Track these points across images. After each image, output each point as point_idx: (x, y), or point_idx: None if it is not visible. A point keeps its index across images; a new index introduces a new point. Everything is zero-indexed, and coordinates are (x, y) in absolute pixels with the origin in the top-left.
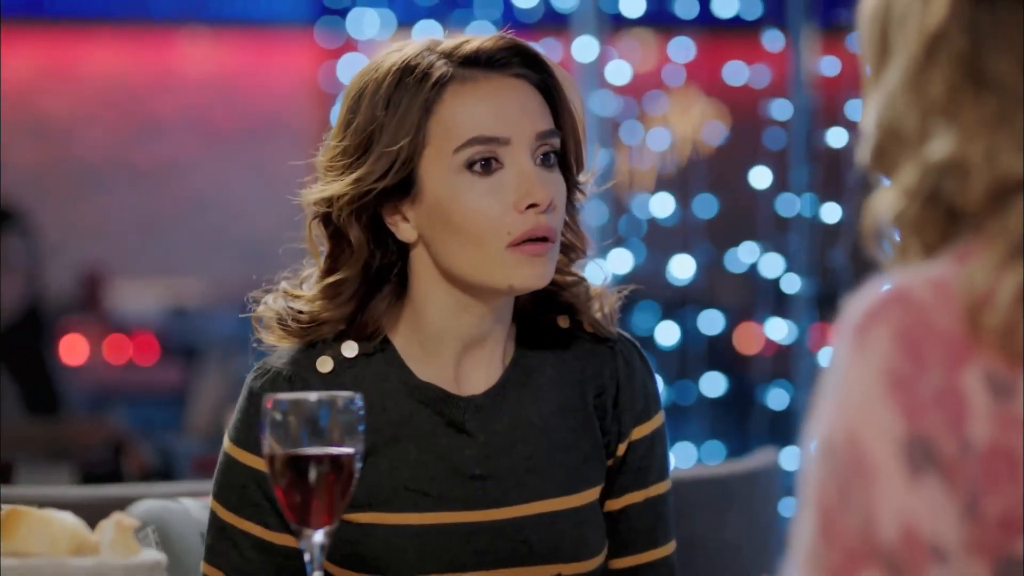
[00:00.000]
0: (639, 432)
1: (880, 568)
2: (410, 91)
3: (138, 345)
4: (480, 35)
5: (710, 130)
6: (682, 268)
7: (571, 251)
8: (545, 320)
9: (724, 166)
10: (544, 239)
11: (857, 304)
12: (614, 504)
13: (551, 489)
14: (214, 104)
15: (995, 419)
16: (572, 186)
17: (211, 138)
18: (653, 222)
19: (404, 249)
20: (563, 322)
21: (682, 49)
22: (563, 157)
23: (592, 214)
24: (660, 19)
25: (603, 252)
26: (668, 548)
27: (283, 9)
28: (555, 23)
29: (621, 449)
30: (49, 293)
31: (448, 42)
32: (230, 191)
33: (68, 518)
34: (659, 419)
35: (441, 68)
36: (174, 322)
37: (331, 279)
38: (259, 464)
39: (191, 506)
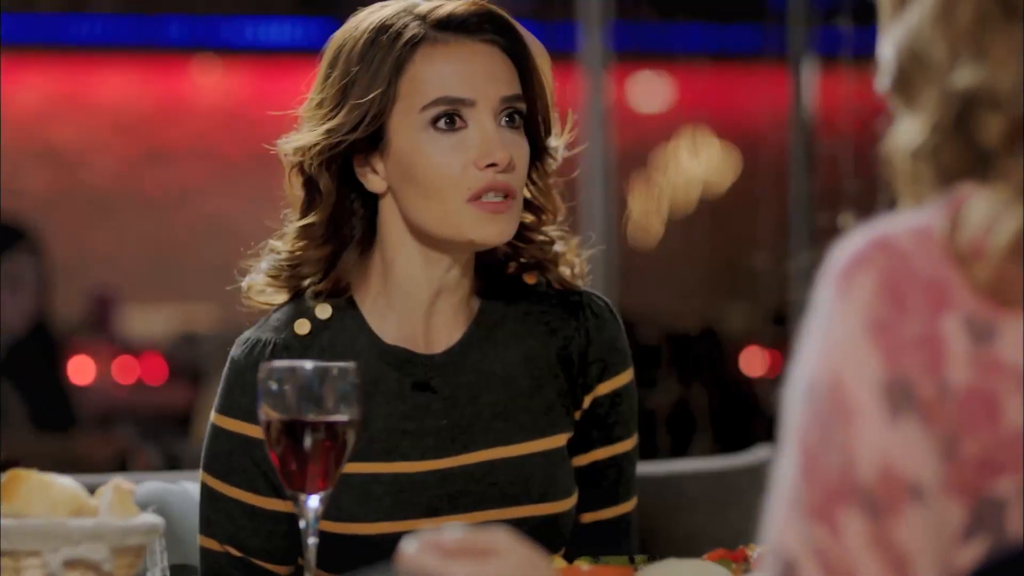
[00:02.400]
0: (605, 387)
1: (858, 506)
2: (383, 49)
3: (146, 366)
4: (456, 0)
5: (713, 160)
6: (683, 279)
7: (543, 213)
8: (512, 276)
9: (726, 199)
10: (505, 196)
11: (841, 251)
12: (581, 460)
13: (517, 434)
14: (224, 131)
15: (974, 363)
16: (543, 150)
17: (221, 165)
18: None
19: (373, 200)
20: (530, 278)
21: (685, 79)
22: (530, 121)
23: (596, 229)
24: (663, 36)
25: (606, 268)
26: (628, 506)
27: (293, 37)
28: (560, 55)
29: (587, 402)
30: (59, 316)
31: (424, 5)
32: (240, 218)
33: (68, 482)
34: (627, 376)
35: (414, 29)
36: (183, 345)
37: (303, 221)
38: (244, 429)
39: (191, 488)
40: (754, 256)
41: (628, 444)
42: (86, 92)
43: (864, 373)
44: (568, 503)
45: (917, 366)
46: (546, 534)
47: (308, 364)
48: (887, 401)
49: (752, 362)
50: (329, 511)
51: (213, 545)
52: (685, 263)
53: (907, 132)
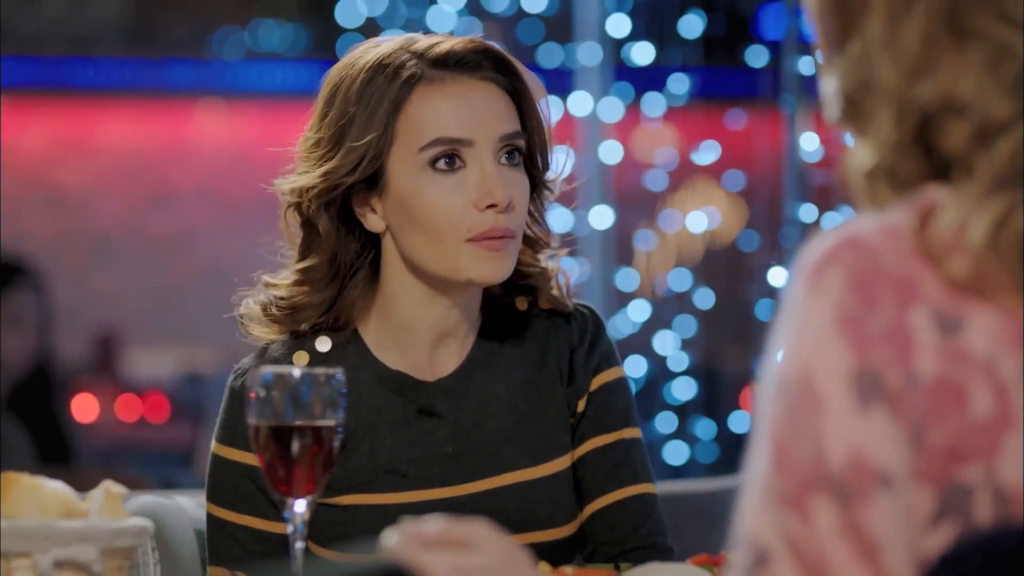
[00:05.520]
0: (595, 383)
1: (829, 494)
2: (381, 88)
3: (149, 404)
4: (454, 37)
5: (720, 209)
6: (681, 315)
7: (536, 244)
8: (505, 303)
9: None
10: (503, 236)
11: (811, 250)
12: (578, 452)
13: (523, 459)
14: (228, 175)
15: (942, 354)
16: (539, 184)
17: (225, 209)
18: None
19: (375, 238)
20: (521, 304)
21: (682, 103)
22: (529, 157)
23: (594, 264)
24: (659, 75)
25: (605, 302)
26: (637, 488)
27: (297, 80)
28: (560, 82)
29: (581, 405)
30: (64, 356)
31: (422, 42)
32: (244, 261)
33: (59, 485)
34: (615, 373)
35: (412, 68)
36: (186, 385)
37: (302, 265)
38: (247, 459)
39: (185, 503)
40: (751, 296)
41: (625, 433)
42: (91, 136)
43: (833, 365)
44: (573, 527)
45: (886, 357)
46: (552, 560)
47: (296, 371)
48: (856, 392)
49: (749, 400)
50: (336, 542)
51: (224, 574)
52: (685, 304)
53: (861, 154)
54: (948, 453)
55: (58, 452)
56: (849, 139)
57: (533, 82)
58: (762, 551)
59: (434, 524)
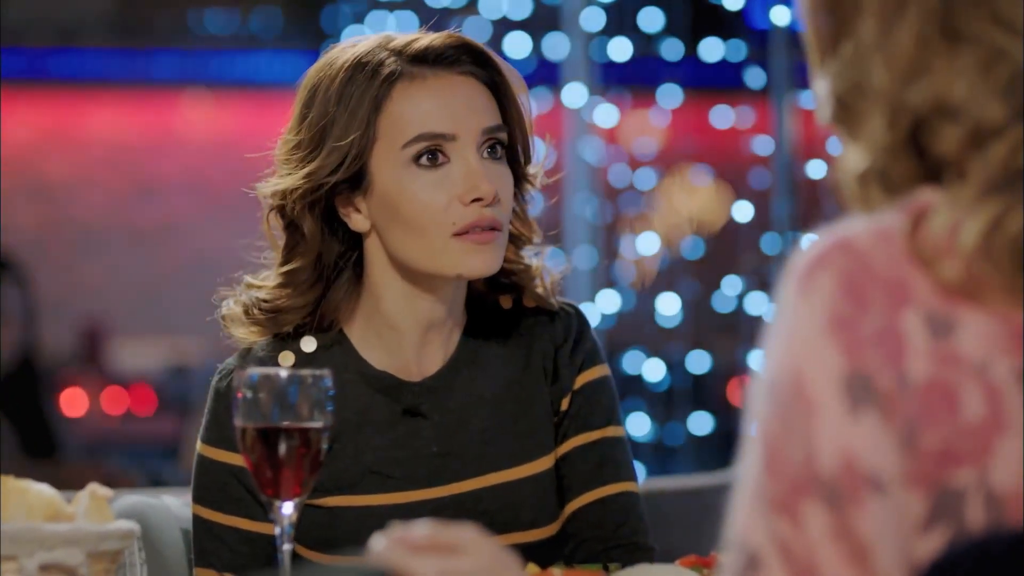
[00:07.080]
0: (579, 381)
1: (821, 498)
2: (361, 87)
3: (136, 397)
4: (431, 33)
5: (706, 198)
6: (669, 307)
7: (519, 240)
8: (490, 301)
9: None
10: (491, 229)
11: (802, 253)
12: (560, 450)
13: (507, 460)
14: (214, 166)
15: (933, 356)
16: (521, 178)
17: (211, 200)
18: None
19: (358, 238)
20: (506, 303)
21: (669, 95)
22: (511, 151)
23: (581, 257)
24: (646, 67)
25: (593, 294)
26: (622, 486)
27: (283, 71)
28: (547, 75)
29: (565, 403)
30: (50, 349)
31: (400, 39)
32: (230, 252)
33: (45, 488)
34: (600, 371)
35: (391, 65)
36: (172, 377)
37: (286, 268)
38: (234, 459)
39: (171, 503)
40: (738, 288)
41: (608, 431)
42: (76, 127)
43: (824, 368)
44: (557, 527)
45: (877, 360)
46: (535, 561)
47: (283, 372)
48: (847, 395)
49: (736, 392)
50: (323, 544)
51: (211, 575)
52: (672, 296)
53: (853, 157)
54: (940, 456)
55: (44, 447)
56: (840, 141)
57: (512, 75)
58: (753, 554)
59: (421, 529)
